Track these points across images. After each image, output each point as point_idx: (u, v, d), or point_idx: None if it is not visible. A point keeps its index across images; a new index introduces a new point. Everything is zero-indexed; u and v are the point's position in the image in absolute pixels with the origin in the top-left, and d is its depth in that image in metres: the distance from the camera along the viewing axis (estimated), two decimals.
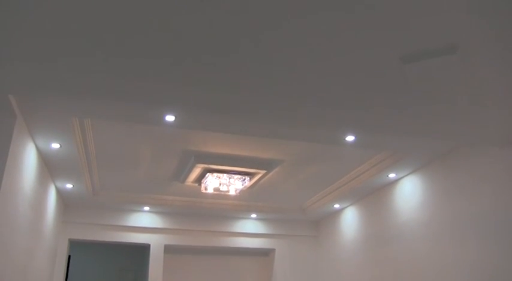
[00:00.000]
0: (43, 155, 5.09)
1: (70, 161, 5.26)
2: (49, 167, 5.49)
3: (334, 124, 4.22)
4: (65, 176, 5.90)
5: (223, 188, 6.14)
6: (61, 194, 6.67)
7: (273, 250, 8.46)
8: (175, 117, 3.92)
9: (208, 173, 5.94)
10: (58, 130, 4.42)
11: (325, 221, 8.36)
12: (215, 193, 6.37)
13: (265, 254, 8.73)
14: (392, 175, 6.03)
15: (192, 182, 6.41)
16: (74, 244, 8.05)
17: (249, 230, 8.27)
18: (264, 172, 6.06)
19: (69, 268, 8.29)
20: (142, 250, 8.95)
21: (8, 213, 4.10)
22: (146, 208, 7.60)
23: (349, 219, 7.49)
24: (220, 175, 5.98)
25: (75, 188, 6.39)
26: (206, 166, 5.79)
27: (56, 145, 4.77)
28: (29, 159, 4.58)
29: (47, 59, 3.08)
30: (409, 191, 5.98)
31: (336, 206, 7.52)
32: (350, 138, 4.49)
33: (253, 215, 8.12)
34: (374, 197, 6.76)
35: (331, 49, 3.02)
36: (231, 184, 6.11)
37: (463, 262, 4.92)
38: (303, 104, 3.77)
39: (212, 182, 6.05)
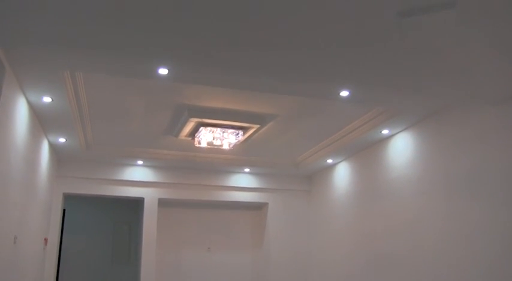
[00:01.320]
0: (35, 109, 5.03)
1: (62, 115, 5.22)
2: (41, 121, 5.45)
3: (328, 78, 4.19)
4: (57, 131, 5.87)
5: (216, 142, 6.14)
6: (54, 148, 6.65)
7: (265, 204, 8.57)
8: (169, 70, 3.86)
9: (201, 127, 5.92)
10: (49, 84, 4.36)
11: (317, 176, 8.44)
12: (209, 147, 6.37)
13: (258, 208, 8.85)
14: (385, 131, 6.04)
15: (186, 136, 6.40)
16: (68, 198, 8.10)
17: (243, 184, 8.34)
18: (258, 126, 6.04)
19: (64, 221, 8.38)
20: (137, 203, 9.04)
21: (0, 167, 4.09)
22: (140, 162, 7.62)
23: (342, 174, 7.56)
24: (214, 129, 5.96)
25: (68, 143, 6.37)
26: (200, 120, 5.77)
27: (47, 99, 4.71)
28: (20, 113, 4.53)
29: (36, 9, 2.99)
30: (401, 148, 6.01)
31: (329, 161, 7.56)
32: (344, 93, 4.47)
33: (247, 170, 8.18)
34: (367, 153, 6.80)
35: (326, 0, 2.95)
36: (225, 138, 6.10)
37: (452, 217, 5.01)
38: (297, 57, 3.73)
39: (206, 136, 6.03)
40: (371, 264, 6.48)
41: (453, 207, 5.00)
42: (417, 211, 5.61)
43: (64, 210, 7.92)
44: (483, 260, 4.51)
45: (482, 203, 4.60)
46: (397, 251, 5.92)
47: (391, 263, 6.01)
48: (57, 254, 7.28)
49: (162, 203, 7.99)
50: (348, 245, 7.18)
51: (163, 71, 3.87)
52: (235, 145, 6.48)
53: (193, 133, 6.22)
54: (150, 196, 7.82)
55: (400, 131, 6.01)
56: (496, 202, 4.42)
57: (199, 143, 6.21)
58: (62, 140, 6.24)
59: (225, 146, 6.23)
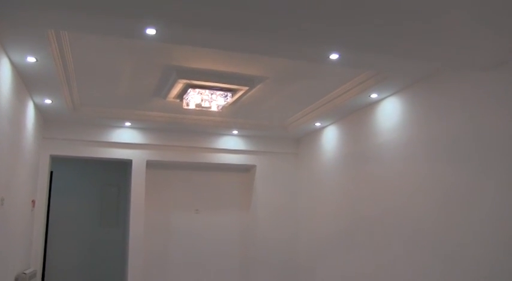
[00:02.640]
0: (19, 70, 4.92)
1: (47, 75, 5.11)
2: (26, 82, 5.34)
3: (318, 41, 4.12)
4: (43, 92, 5.77)
5: (205, 104, 6.09)
6: (40, 110, 6.56)
7: (253, 166, 8.61)
8: (156, 30, 3.77)
9: (190, 89, 5.86)
10: (33, 43, 4.24)
11: (306, 139, 8.46)
12: (197, 109, 6.33)
13: (246, 170, 8.90)
14: (374, 95, 6.03)
15: (174, 98, 6.35)
16: (55, 160, 8.06)
17: (231, 146, 8.35)
18: (247, 88, 6.00)
19: (52, 183, 8.36)
20: (125, 165, 9.04)
21: None
22: (128, 124, 7.56)
23: (330, 138, 7.58)
24: (202, 90, 5.91)
25: (55, 104, 6.28)
26: (188, 81, 5.70)
27: (31, 59, 4.60)
28: (3, 73, 4.42)
29: None
30: (390, 112, 6.02)
31: (317, 124, 7.57)
32: (334, 56, 4.41)
33: (235, 132, 8.17)
34: (355, 117, 6.81)
35: None
36: (213, 100, 6.05)
37: (437, 182, 5.08)
38: (287, 19, 3.66)
39: (194, 98, 5.98)
40: (356, 226, 6.59)
41: (438, 172, 5.07)
42: (403, 175, 5.68)
43: (51, 172, 7.88)
44: (466, 223, 4.60)
45: (467, 169, 4.66)
46: (382, 213, 6.02)
47: (377, 225, 6.12)
48: (45, 216, 7.30)
49: (150, 165, 7.99)
50: (334, 207, 7.28)
51: (151, 31, 3.78)
52: (223, 107, 6.45)
53: (181, 95, 6.17)
54: (138, 157, 7.80)
55: (389, 96, 6.01)
56: (482, 167, 4.48)
57: (187, 105, 6.16)
58: (48, 101, 6.15)
59: (214, 108, 6.20)
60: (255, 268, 8.27)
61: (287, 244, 8.43)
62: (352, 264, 6.66)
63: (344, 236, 6.92)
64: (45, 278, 8.74)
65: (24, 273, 5.75)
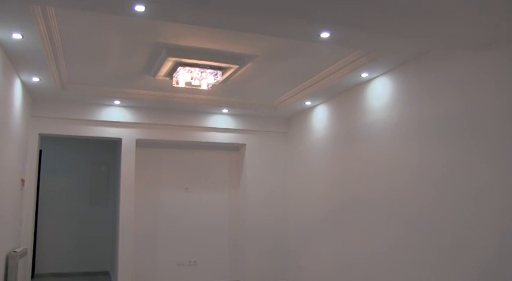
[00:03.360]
0: (4, 47, 4.84)
1: (34, 53, 5.03)
2: (12, 59, 5.26)
3: (309, 19, 4.08)
4: (30, 69, 5.69)
5: (195, 83, 6.05)
6: (27, 88, 6.48)
7: (243, 145, 8.62)
8: (145, 7, 3.72)
9: (179, 67, 5.82)
10: (18, 19, 4.15)
11: (295, 118, 8.46)
12: (187, 87, 6.29)
13: (235, 149, 8.90)
14: (365, 75, 6.02)
15: (164, 76, 6.30)
16: (45, 139, 8.02)
17: (221, 125, 8.34)
18: (237, 66, 5.96)
19: (41, 162, 8.33)
20: (114, 144, 9.02)
21: None
22: (117, 102, 7.50)
23: (320, 117, 7.59)
24: (192, 69, 5.87)
25: (43, 82, 6.21)
26: (178, 59, 5.65)
27: (17, 36, 4.52)
28: None
29: None
30: (380, 92, 6.02)
31: (308, 103, 7.56)
32: (325, 35, 4.39)
33: (225, 111, 8.14)
34: (345, 96, 6.81)
35: None
36: (203, 79, 6.01)
37: (427, 161, 5.11)
38: None
39: (184, 76, 5.94)
40: (346, 205, 6.65)
41: (429, 151, 5.10)
42: (393, 155, 5.71)
43: (41, 151, 7.84)
44: (456, 202, 4.66)
45: (458, 148, 4.68)
46: (371, 193, 6.07)
47: (366, 204, 6.17)
48: (35, 195, 7.27)
49: (140, 143, 7.97)
50: (324, 187, 7.32)
51: (139, 8, 3.72)
52: (213, 86, 6.42)
53: (171, 73, 6.12)
54: (127, 136, 7.77)
55: (380, 75, 6.00)
56: (472, 147, 4.51)
57: (177, 83, 6.12)
58: (36, 79, 6.07)
59: (203, 87, 6.16)
60: (244, 246, 8.34)
61: (276, 223, 8.50)
62: (341, 243, 6.73)
63: (333, 215, 6.99)
64: (36, 256, 8.78)
65: (15, 251, 5.76)
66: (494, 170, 4.23)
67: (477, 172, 4.42)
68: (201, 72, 5.93)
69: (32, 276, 7.89)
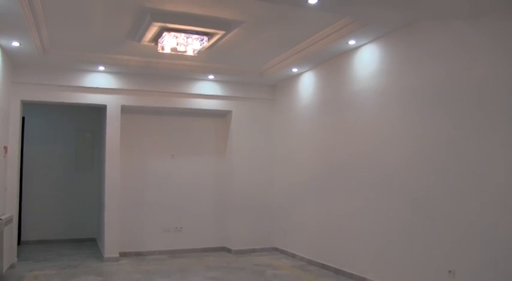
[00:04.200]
0: None
1: (13, 16, 4.86)
2: None
3: None
4: (9, 34, 5.52)
5: (180, 48, 5.96)
6: (8, 53, 6.32)
7: (229, 112, 8.58)
8: None
9: (165, 32, 5.71)
10: None
11: (282, 85, 8.42)
12: (172, 53, 6.20)
13: (222, 115, 8.86)
14: (352, 42, 5.98)
15: (149, 41, 6.19)
16: (27, 106, 7.90)
17: (207, 91, 8.27)
18: (223, 32, 5.87)
19: (24, 129, 8.23)
20: (99, 111, 8.91)
21: None
22: (101, 68, 7.38)
23: (306, 84, 7.56)
24: (178, 34, 5.76)
25: (23, 47, 6.05)
26: (163, 24, 5.54)
27: None
28: None
29: None
30: (367, 60, 6.00)
31: (294, 70, 7.51)
32: (312, 0, 4.31)
33: (211, 77, 8.06)
34: (332, 63, 6.77)
35: None
36: (189, 44, 5.92)
37: (410, 130, 5.18)
38: None
39: (169, 42, 5.84)
40: (330, 171, 6.71)
41: (412, 120, 5.14)
42: (377, 123, 5.75)
43: (23, 118, 7.73)
44: (436, 170, 4.72)
45: (441, 117, 4.73)
46: (355, 159, 6.13)
47: (350, 170, 6.24)
48: (19, 162, 7.20)
49: (125, 110, 7.89)
50: (309, 153, 7.37)
51: None
52: (199, 52, 6.33)
53: (156, 39, 6.01)
54: (112, 103, 7.67)
55: (367, 43, 5.97)
56: (455, 117, 4.55)
57: (162, 49, 6.03)
58: (16, 44, 5.91)
59: (189, 53, 6.08)
60: (230, 212, 8.41)
61: (262, 189, 8.57)
62: (325, 208, 6.83)
63: (318, 181, 7.05)
64: (22, 223, 8.78)
65: (0, 219, 5.73)
66: (476, 140, 4.28)
67: (458, 141, 4.48)
68: (187, 37, 5.84)
69: (18, 243, 7.91)
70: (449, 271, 4.53)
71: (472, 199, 4.32)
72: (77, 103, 7.58)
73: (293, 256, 7.76)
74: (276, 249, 8.42)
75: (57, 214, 9.45)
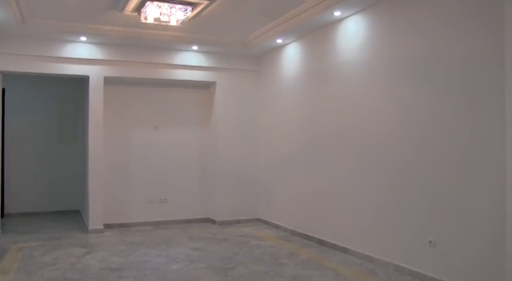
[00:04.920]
0: None
1: None
2: None
3: None
4: None
5: (164, 19, 5.86)
6: None
7: (213, 83, 8.53)
8: None
9: (148, 2, 5.60)
10: None
11: (267, 56, 8.37)
12: (156, 23, 6.09)
13: (206, 87, 8.81)
14: (337, 13, 5.93)
15: (131, 11, 6.08)
16: (8, 77, 7.76)
17: (190, 62, 8.19)
18: (207, 2, 5.78)
19: (5, 101, 8.09)
20: (81, 82, 8.79)
21: None
22: (83, 38, 7.24)
23: (292, 55, 7.52)
24: (161, 3, 5.65)
25: (1, 16, 5.92)
26: None
27: None
28: None
29: None
30: (352, 31, 5.97)
31: (279, 41, 7.46)
32: None
33: (195, 48, 7.98)
34: (317, 34, 6.73)
35: None
36: (172, 14, 5.82)
37: (394, 102, 5.21)
38: None
39: (152, 12, 5.74)
40: (314, 143, 6.75)
41: (396, 92, 5.17)
42: (362, 95, 5.77)
43: (4, 89, 7.60)
44: (419, 143, 4.78)
45: (425, 90, 4.75)
46: (340, 131, 6.17)
47: (334, 142, 6.28)
48: (0, 134, 7.11)
49: (108, 81, 7.79)
50: (293, 125, 7.39)
51: None
52: (183, 22, 6.24)
53: (139, 8, 5.91)
54: (95, 74, 7.55)
55: (352, 14, 5.93)
56: (438, 89, 4.57)
57: (145, 18, 5.93)
58: None
59: (173, 23, 5.98)
60: (215, 183, 8.44)
61: (246, 161, 8.60)
62: (309, 180, 6.89)
63: (302, 153, 7.09)
64: (5, 196, 8.73)
65: None
66: (458, 112, 4.32)
67: (442, 114, 4.51)
68: (170, 7, 5.74)
69: (2, 215, 7.88)
70: (430, 242, 4.63)
71: (453, 171, 4.39)
72: (59, 74, 7.45)
73: (277, 227, 7.85)
74: (260, 220, 8.51)
75: (41, 186, 9.40)
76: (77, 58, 7.40)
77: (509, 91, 3.68)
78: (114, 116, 8.08)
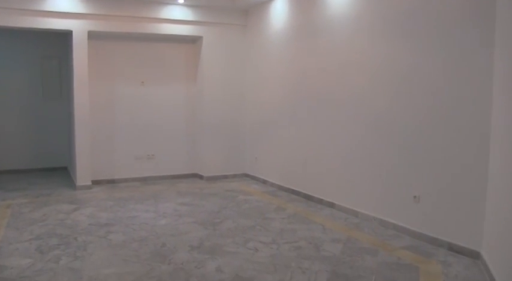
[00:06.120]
0: None
1: None
2: None
3: None
4: None
5: None
6: None
7: (200, 38, 8.39)
8: None
9: None
10: None
11: (254, 11, 8.21)
12: None
13: (192, 41, 8.67)
14: None
15: None
16: None
17: (177, 16, 8.01)
18: None
19: None
20: (65, 37, 8.59)
21: None
22: None
23: (279, 9, 7.38)
24: None
25: None
26: None
27: None
28: None
29: None
30: None
31: None
32: None
33: (181, 1, 7.79)
34: None
35: None
36: None
37: (383, 56, 5.19)
38: None
39: None
40: (303, 98, 6.74)
41: (385, 46, 5.13)
42: (350, 49, 5.73)
43: None
44: (406, 96, 4.78)
45: (413, 44, 4.72)
46: (328, 86, 6.15)
47: (322, 97, 6.27)
48: None
49: (92, 36, 7.61)
50: (282, 80, 7.34)
51: None
52: None
53: None
54: (78, 28, 7.36)
55: None
56: (427, 43, 4.55)
57: None
58: None
59: None
60: (202, 139, 8.45)
61: (234, 116, 8.59)
62: (296, 135, 6.92)
63: (290, 108, 7.09)
64: None
65: None
66: (445, 67, 4.31)
67: (429, 68, 4.50)
68: None
69: None
70: (414, 197, 4.72)
71: (438, 127, 4.42)
72: (40, 29, 7.24)
73: (264, 182, 7.94)
74: (247, 175, 8.59)
75: (26, 143, 9.33)
76: (60, 12, 7.18)
77: (498, 39, 3.67)
78: (99, 72, 7.95)
